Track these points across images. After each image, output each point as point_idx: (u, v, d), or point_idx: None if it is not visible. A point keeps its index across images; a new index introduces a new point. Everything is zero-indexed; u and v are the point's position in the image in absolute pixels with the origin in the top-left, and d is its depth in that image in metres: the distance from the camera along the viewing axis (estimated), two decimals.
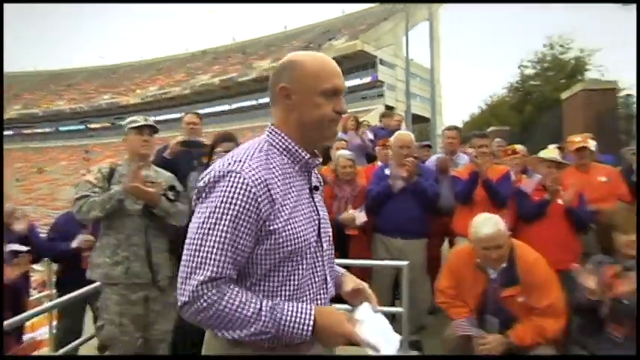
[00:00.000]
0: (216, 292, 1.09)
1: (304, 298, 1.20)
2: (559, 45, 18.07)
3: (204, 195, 1.15)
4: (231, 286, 1.12)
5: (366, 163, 4.86)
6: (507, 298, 2.48)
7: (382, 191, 3.53)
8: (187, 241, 1.14)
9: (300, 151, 1.23)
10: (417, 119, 25.91)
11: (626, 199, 3.54)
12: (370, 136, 5.43)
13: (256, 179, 1.12)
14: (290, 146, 1.22)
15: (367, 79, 39.04)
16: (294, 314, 1.12)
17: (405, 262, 3.06)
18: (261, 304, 1.12)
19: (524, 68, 18.99)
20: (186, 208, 2.76)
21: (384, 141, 4.40)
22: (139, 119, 2.72)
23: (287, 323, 1.11)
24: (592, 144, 3.94)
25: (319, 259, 1.25)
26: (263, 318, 1.10)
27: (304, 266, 1.20)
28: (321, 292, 1.25)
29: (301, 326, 1.12)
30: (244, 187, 1.10)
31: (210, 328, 1.14)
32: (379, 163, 4.28)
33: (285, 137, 1.23)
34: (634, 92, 8.19)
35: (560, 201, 3.23)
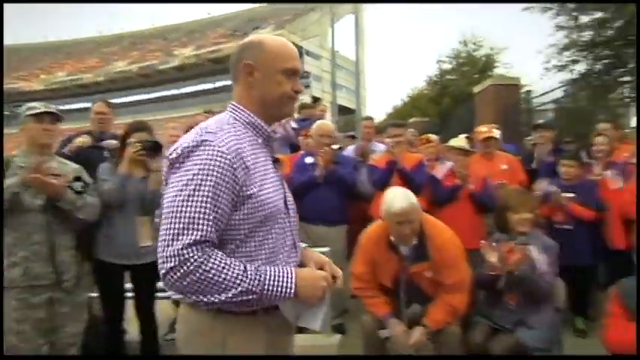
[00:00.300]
0: (202, 254, 1.11)
1: (277, 262, 1.26)
2: (472, 42, 19.48)
3: (177, 165, 1.17)
4: (215, 250, 1.15)
5: (289, 153, 4.89)
6: (416, 273, 2.56)
7: (308, 181, 3.58)
8: (166, 209, 1.15)
9: (262, 124, 1.30)
10: (343, 110, 26.47)
11: (524, 184, 3.93)
12: (294, 125, 5.46)
13: (229, 147, 1.17)
14: (253, 120, 1.29)
15: None
16: (277, 274, 1.19)
17: (327, 249, 3.14)
18: (244, 265, 1.16)
19: (441, 63, 20.21)
20: (96, 200, 2.59)
21: (306, 131, 4.46)
22: (38, 106, 2.48)
23: (271, 282, 1.17)
24: (497, 134, 4.32)
25: (287, 224, 1.32)
26: (249, 278, 1.14)
27: (276, 231, 1.27)
28: (292, 255, 1.32)
29: (285, 284, 1.18)
30: (220, 154, 1.15)
31: (196, 294, 1.14)
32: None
33: (248, 112, 1.29)
34: (534, 89, 9.07)
35: (471, 186, 3.52)
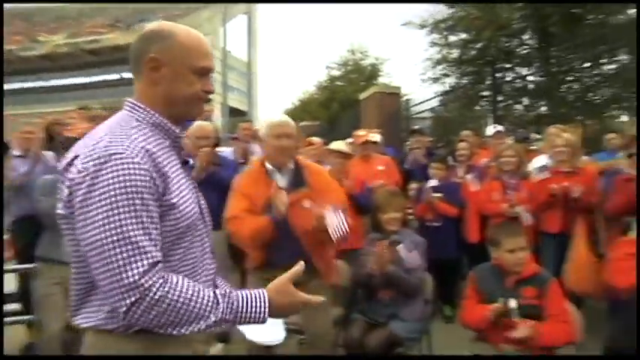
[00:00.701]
0: (163, 281, 1.01)
1: (200, 272, 1.19)
2: (359, 52, 20.68)
3: (85, 186, 1.01)
4: (176, 276, 1.05)
5: None
6: (294, 204, 2.41)
7: None
8: (96, 240, 0.99)
9: (170, 125, 1.18)
10: (235, 112, 26.01)
11: (399, 185, 4.23)
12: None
13: (143, 156, 1.05)
14: (158, 121, 1.16)
15: None
16: (250, 299, 1.10)
17: None
18: (213, 292, 1.08)
19: (331, 69, 21.08)
20: None
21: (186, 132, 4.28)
22: None
23: (245, 308, 1.09)
24: (376, 138, 4.59)
25: (204, 231, 1.25)
26: (221, 306, 1.07)
27: (197, 239, 1.19)
28: (211, 263, 1.27)
29: (259, 309, 1.10)
30: (135, 165, 1.03)
31: (162, 326, 1.02)
32: None
33: (152, 112, 1.16)
34: (412, 98, 9.88)
35: (349, 187, 3.65)
